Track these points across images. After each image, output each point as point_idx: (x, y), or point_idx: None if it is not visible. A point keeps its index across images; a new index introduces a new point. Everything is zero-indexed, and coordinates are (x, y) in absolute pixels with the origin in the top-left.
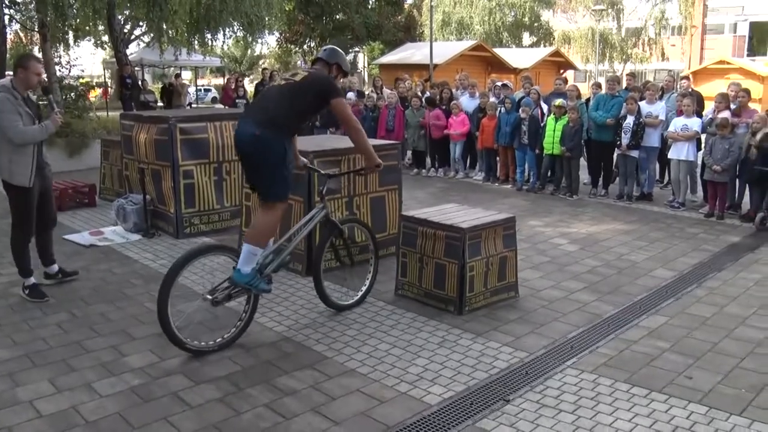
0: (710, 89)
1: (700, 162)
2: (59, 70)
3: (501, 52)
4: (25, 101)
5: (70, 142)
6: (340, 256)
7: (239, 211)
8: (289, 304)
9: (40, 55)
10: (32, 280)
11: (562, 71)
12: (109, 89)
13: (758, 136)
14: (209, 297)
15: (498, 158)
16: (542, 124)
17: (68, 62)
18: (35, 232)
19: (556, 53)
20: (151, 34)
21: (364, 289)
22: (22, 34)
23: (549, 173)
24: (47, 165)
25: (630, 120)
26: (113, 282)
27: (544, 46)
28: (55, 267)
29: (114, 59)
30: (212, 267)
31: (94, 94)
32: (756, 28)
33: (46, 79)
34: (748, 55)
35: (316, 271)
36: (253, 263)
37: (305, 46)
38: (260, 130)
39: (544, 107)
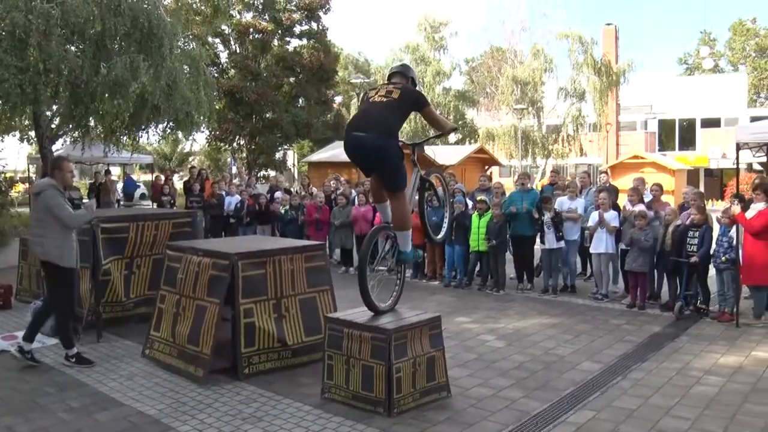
0: (627, 182)
1: (619, 253)
2: None
3: (428, 150)
4: (63, 195)
5: None
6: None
7: (143, 300)
8: (212, 410)
9: None
10: (75, 350)
11: (487, 167)
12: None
13: (670, 228)
14: (383, 268)
15: (425, 254)
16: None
17: None
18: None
19: (481, 150)
20: (79, 131)
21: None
22: None
23: (476, 269)
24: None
25: (548, 216)
26: (25, 391)
27: (470, 143)
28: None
29: (39, 155)
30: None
31: (17, 190)
32: (664, 125)
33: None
34: (659, 150)
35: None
36: (410, 242)
37: (234, 144)
38: (382, 141)
39: (470, 204)
